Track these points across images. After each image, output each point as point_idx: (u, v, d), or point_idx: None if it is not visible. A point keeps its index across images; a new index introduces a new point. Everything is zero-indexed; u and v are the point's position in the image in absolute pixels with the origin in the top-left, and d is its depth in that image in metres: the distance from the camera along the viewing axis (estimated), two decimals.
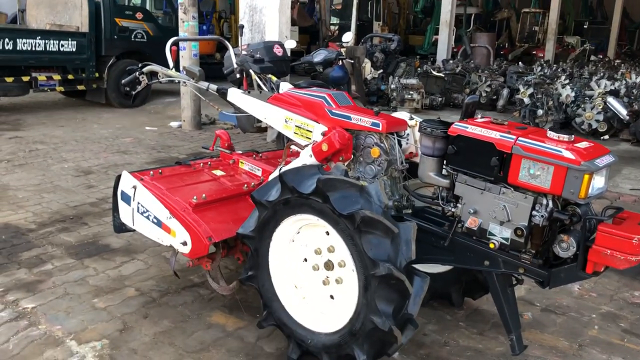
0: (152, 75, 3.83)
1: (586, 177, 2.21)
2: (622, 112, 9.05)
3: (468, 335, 3.18)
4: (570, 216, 2.33)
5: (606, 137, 9.20)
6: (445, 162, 2.67)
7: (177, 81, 3.75)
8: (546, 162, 2.27)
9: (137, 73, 3.72)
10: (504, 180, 2.41)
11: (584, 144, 2.32)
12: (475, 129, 2.48)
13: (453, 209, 2.63)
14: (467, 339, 3.15)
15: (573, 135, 2.34)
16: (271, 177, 3.19)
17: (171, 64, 3.71)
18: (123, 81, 3.97)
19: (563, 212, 2.35)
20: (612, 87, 9.74)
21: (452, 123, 2.60)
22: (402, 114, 3.12)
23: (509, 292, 2.71)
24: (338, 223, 2.45)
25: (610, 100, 9.22)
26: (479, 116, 2.65)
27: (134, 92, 9.87)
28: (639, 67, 16.05)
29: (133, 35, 11.03)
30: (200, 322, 3.21)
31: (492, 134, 2.43)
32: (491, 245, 2.48)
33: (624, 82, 10.40)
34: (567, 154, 2.23)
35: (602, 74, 11.63)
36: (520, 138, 2.36)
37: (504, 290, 2.66)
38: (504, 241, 2.46)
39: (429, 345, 3.06)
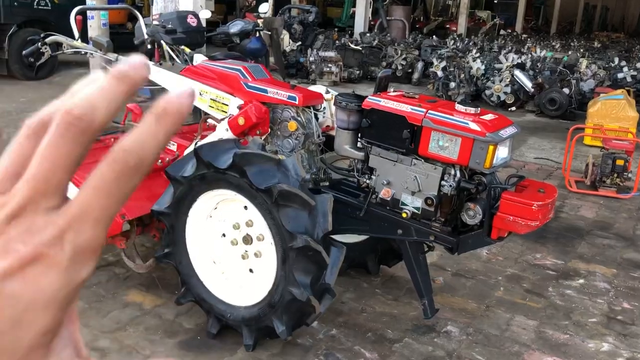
0: (57, 46, 3.62)
1: (491, 147, 2.32)
2: (528, 84, 9.52)
3: (384, 302, 3.30)
4: (477, 185, 2.45)
5: (513, 108, 9.67)
6: (360, 135, 2.72)
7: (83, 52, 3.57)
8: (454, 134, 2.37)
9: (40, 44, 3.50)
10: (415, 152, 2.50)
11: (489, 116, 2.44)
12: (388, 103, 2.54)
13: (368, 181, 2.70)
14: (383, 305, 3.27)
15: (479, 108, 2.45)
16: (186, 152, 3.13)
17: (77, 34, 3.51)
18: (24, 52, 3.74)
19: (470, 181, 2.47)
20: (519, 61, 10.21)
21: (366, 97, 2.65)
22: (318, 88, 3.14)
23: (421, 258, 2.83)
24: (256, 197, 2.45)
25: (517, 73, 9.67)
26: (392, 90, 2.72)
27: (37, 64, 9.29)
28: (543, 41, 16.94)
29: (35, 2, 10.34)
30: (116, 301, 3.14)
31: (404, 107, 2.50)
32: (404, 215, 2.58)
33: (529, 55, 10.94)
34: (473, 126, 2.34)
35: (510, 48, 12.16)
36: (430, 111, 2.44)
37: (416, 257, 2.78)
38: (415, 210, 2.55)
39: (347, 313, 3.15)
